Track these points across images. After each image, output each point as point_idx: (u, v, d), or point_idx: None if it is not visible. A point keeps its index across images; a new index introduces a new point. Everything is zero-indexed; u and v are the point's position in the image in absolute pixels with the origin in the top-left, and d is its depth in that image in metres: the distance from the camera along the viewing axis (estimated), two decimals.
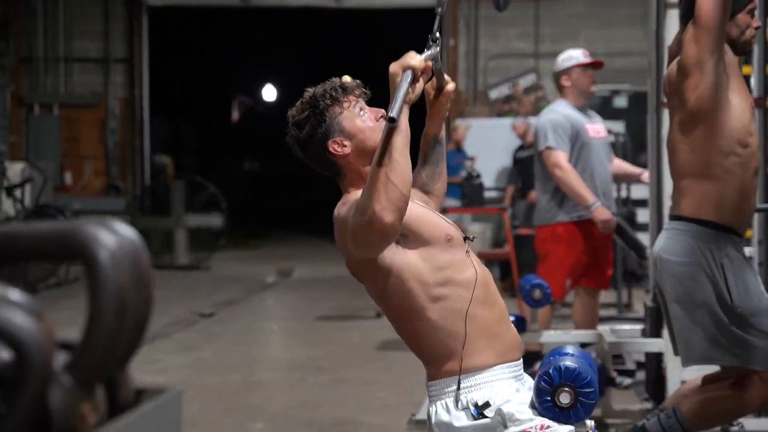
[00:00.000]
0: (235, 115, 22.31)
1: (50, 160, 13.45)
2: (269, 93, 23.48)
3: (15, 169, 12.04)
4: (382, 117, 2.58)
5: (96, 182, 13.95)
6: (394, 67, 2.38)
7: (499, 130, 12.19)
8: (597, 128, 5.66)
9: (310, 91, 2.64)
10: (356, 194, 2.50)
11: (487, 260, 10.38)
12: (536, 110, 13.04)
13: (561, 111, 5.61)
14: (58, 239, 0.89)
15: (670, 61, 3.80)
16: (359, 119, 2.60)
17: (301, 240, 16.58)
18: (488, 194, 10.86)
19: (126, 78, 14.02)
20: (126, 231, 0.92)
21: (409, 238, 2.51)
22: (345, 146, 2.60)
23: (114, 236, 0.89)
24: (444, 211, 8.75)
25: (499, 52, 13.59)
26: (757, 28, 3.67)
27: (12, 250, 0.90)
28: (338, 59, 22.21)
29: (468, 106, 13.62)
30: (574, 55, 5.63)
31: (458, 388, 2.52)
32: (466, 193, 9.06)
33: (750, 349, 3.48)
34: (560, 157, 5.48)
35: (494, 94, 13.66)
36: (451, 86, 2.75)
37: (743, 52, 3.72)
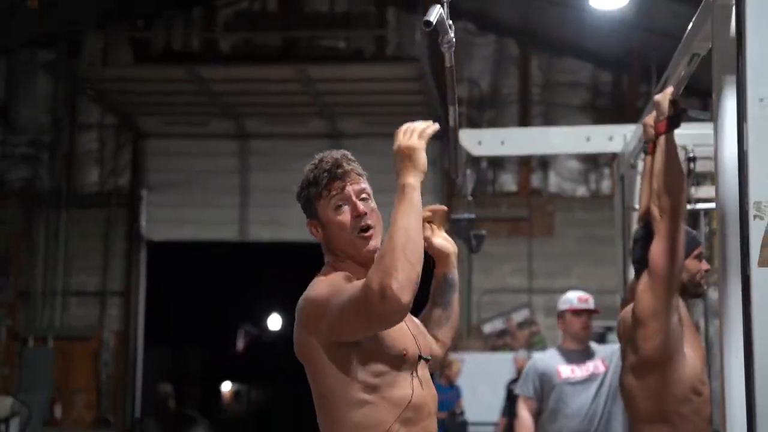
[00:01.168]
0: (240, 344, 22.31)
1: (42, 392, 13.35)
2: (275, 322, 23.54)
3: (3, 404, 11.94)
4: (358, 216, 2.58)
5: (86, 415, 13.78)
6: (410, 144, 2.52)
7: (493, 364, 12.14)
8: (586, 366, 5.65)
9: (317, 158, 2.67)
10: (331, 280, 2.48)
11: None
12: (530, 345, 13.05)
13: (540, 357, 5.96)
14: None
15: (622, 307, 3.87)
16: (333, 212, 2.59)
17: None
18: (480, 429, 10.68)
19: (122, 311, 14.11)
20: None
21: (365, 343, 2.46)
22: (318, 231, 2.63)
23: None
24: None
25: (493, 287, 13.71)
26: (706, 271, 3.76)
27: None
28: None
29: (462, 340, 13.60)
30: (568, 299, 5.75)
31: None
32: (450, 429, 8.91)
33: None
34: (520, 405, 5.70)
35: (488, 328, 13.67)
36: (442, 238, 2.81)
37: (696, 295, 3.80)
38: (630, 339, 3.64)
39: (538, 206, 13.82)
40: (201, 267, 18.57)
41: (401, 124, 10.83)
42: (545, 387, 5.63)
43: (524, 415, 5.65)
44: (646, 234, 3.67)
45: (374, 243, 2.59)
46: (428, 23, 2.49)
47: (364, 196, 2.65)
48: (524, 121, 13.64)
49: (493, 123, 13.60)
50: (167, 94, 13.08)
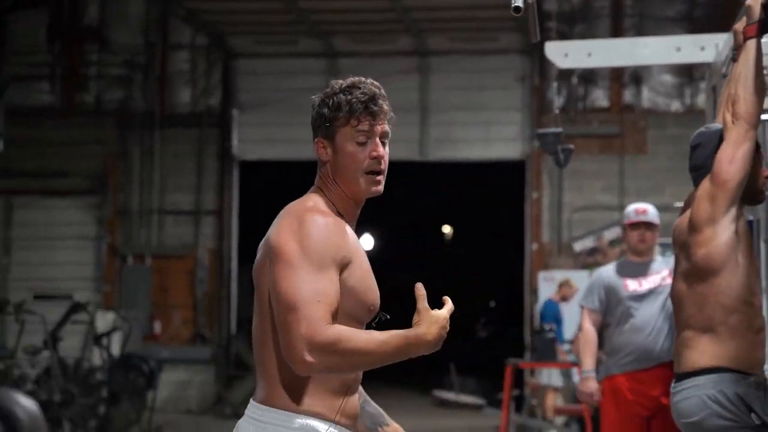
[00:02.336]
0: None
1: (141, 309, 13.76)
2: (365, 242, 23.78)
3: (106, 319, 12.34)
4: (375, 158, 2.48)
5: (184, 331, 14.18)
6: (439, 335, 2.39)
7: (584, 282, 12.08)
8: (650, 279, 5.60)
9: (351, 80, 2.52)
10: (310, 232, 2.37)
11: (567, 416, 10.18)
12: None
13: (605, 269, 5.85)
14: None
15: (681, 215, 3.80)
16: (352, 144, 2.49)
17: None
18: (567, 347, 10.68)
19: (215, 229, 14.39)
20: (23, 403, 0.95)
21: (344, 282, 2.40)
22: (326, 153, 2.52)
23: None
24: (516, 366, 8.51)
25: (584, 204, 13.58)
26: (767, 178, 3.66)
27: None
28: (425, 210, 22.57)
29: (552, 258, 13.56)
30: (626, 212, 5.70)
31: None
32: (537, 346, 8.94)
33: None
34: (584, 317, 5.63)
35: (578, 246, 13.57)
36: None
37: (756, 201, 3.71)
38: (683, 245, 3.59)
39: (630, 122, 13.57)
40: (292, 185, 18.82)
41: (490, 40, 10.80)
42: (611, 300, 5.57)
43: (588, 327, 5.58)
44: (708, 140, 3.59)
45: (380, 188, 2.53)
46: (518, 9, 2.44)
47: (385, 140, 2.54)
48: (616, 34, 13.32)
49: (584, 37, 13.31)
50: (257, 13, 13.12)
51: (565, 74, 13.22)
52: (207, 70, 14.41)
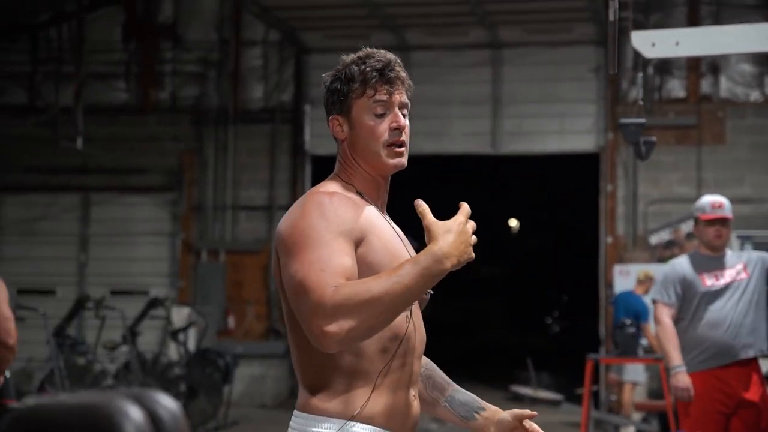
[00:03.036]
0: None
1: (215, 304, 13.88)
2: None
3: (181, 314, 12.49)
4: (396, 129, 2.35)
5: (258, 326, 14.27)
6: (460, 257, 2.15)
7: (661, 275, 11.93)
8: (726, 274, 5.47)
9: (363, 51, 2.39)
10: (324, 208, 2.21)
11: (647, 412, 10.03)
12: None
13: (678, 262, 5.72)
14: (87, 414, 0.91)
15: None
16: (370, 116, 2.35)
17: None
18: (643, 341, 10.53)
19: None
20: (165, 403, 0.93)
21: (363, 258, 2.24)
22: (342, 131, 2.39)
23: (143, 410, 0.91)
24: (597, 362, 8.41)
25: (660, 196, 13.36)
26: None
27: (39, 424, 0.93)
28: (501, 204, 22.45)
29: (627, 251, 13.37)
30: (701, 205, 5.59)
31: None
32: (619, 342, 8.82)
33: None
34: (662, 311, 5.49)
35: (654, 239, 13.37)
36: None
37: None
38: None
39: (708, 112, 13.31)
40: None
41: (564, 31, 10.68)
42: (687, 294, 5.46)
43: (667, 321, 5.45)
44: None
45: (403, 160, 2.38)
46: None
47: (405, 111, 2.39)
48: (693, 23, 13.06)
49: (660, 26, 13.08)
50: (329, 7, 13.13)
51: (640, 64, 13.03)
52: (279, 65, 14.48)
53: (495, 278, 24.62)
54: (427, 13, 13.34)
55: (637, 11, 13.00)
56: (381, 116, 2.34)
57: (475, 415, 2.52)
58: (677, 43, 5.26)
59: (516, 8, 13.04)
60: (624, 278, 12.32)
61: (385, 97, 2.34)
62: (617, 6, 2.73)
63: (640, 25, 12.64)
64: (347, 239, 2.20)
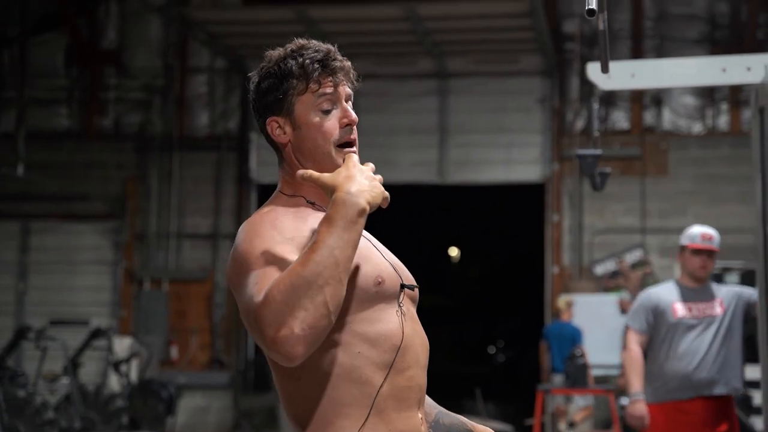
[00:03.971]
0: None
1: (158, 334, 13.66)
2: None
3: (123, 345, 12.27)
4: (348, 124, 2.09)
5: (201, 356, 14.06)
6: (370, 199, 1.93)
7: (605, 306, 12.03)
8: (701, 307, 5.46)
9: (297, 43, 2.12)
10: (264, 226, 1.96)
11: None
12: (643, 286, 12.84)
13: (655, 290, 5.69)
14: None
15: None
16: (316, 112, 2.07)
17: None
18: (593, 371, 10.58)
19: None
20: None
21: None
22: (284, 133, 2.10)
23: None
24: (547, 391, 8.43)
25: (605, 227, 13.47)
26: None
27: None
28: (441, 232, 22.49)
29: (573, 281, 13.44)
30: (691, 235, 5.55)
31: None
32: (570, 373, 8.84)
33: None
34: (631, 338, 5.49)
35: (600, 269, 13.47)
36: None
37: None
38: None
39: (652, 144, 13.47)
40: None
41: (511, 62, 10.79)
42: (658, 323, 5.43)
43: (635, 349, 5.44)
44: None
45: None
46: (591, 12, 2.26)
47: (350, 103, 2.13)
48: (636, 56, 13.25)
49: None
50: (276, 36, 12.94)
51: (586, 96, 13.17)
52: (225, 93, 14.37)
53: (439, 307, 24.66)
54: (374, 43, 13.36)
55: (583, 44, 13.17)
56: (328, 112, 2.08)
57: None
58: (633, 75, 5.26)
59: (463, 39, 13.11)
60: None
61: (330, 90, 2.08)
62: (606, 19, 2.64)
63: (585, 58, 12.80)
64: (289, 248, 1.95)
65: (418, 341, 2.07)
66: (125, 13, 14.52)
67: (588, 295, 12.87)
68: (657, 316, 5.44)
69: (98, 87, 14.49)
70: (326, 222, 1.86)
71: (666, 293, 5.54)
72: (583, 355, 8.86)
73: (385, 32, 12.94)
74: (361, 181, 1.92)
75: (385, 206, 1.97)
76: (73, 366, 10.80)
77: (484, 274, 25.33)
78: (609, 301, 12.20)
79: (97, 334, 11.32)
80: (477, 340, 23.75)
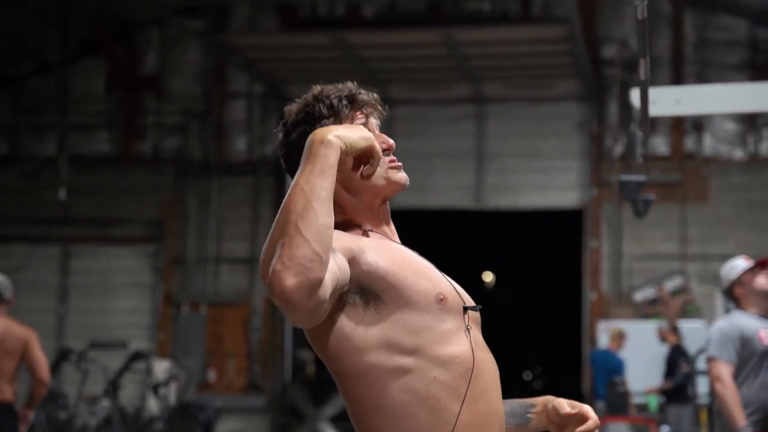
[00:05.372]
0: None
1: (195, 357, 13.70)
2: None
3: (161, 367, 12.31)
4: (388, 149, 2.13)
5: (238, 380, 14.09)
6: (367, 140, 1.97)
7: (644, 333, 11.95)
8: None
9: (316, 89, 2.18)
10: None
11: None
12: (684, 313, 12.72)
13: (731, 319, 5.39)
14: None
15: None
16: None
17: None
18: (637, 400, 10.50)
19: None
20: None
21: (386, 297, 1.97)
22: None
23: None
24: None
25: (644, 253, 13.38)
26: None
27: None
28: (476, 257, 22.42)
29: (612, 307, 13.34)
30: (736, 265, 5.42)
31: None
32: (610, 401, 8.76)
33: None
34: (721, 369, 5.18)
35: (639, 296, 13.37)
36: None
37: None
38: None
39: (692, 170, 13.39)
40: None
41: (549, 87, 10.77)
42: (745, 351, 5.22)
43: (729, 380, 5.15)
44: None
45: (406, 176, 2.18)
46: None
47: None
48: (677, 81, 13.19)
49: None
50: (312, 61, 13.13)
51: (624, 122, 13.12)
52: (263, 117, 14.46)
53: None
54: (411, 68, 13.39)
55: (623, 68, 13.14)
56: None
57: (528, 416, 2.24)
58: (678, 101, 5.23)
59: (500, 64, 13.12)
60: (608, 335, 12.31)
61: (363, 121, 2.14)
62: (648, 66, 2.64)
63: (625, 83, 12.77)
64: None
65: (490, 365, 2.05)
66: (164, 39, 14.67)
67: (627, 322, 12.77)
68: (744, 345, 5.23)
69: (137, 112, 14.64)
70: (300, 165, 1.90)
71: (745, 321, 5.32)
72: (624, 383, 8.78)
73: (423, 57, 12.97)
74: (340, 127, 1.98)
75: (372, 152, 2.01)
76: (113, 388, 10.87)
77: (519, 299, 25.21)
78: (648, 328, 12.10)
79: (136, 356, 11.39)
80: (513, 365, 23.65)
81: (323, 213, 1.82)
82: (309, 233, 1.79)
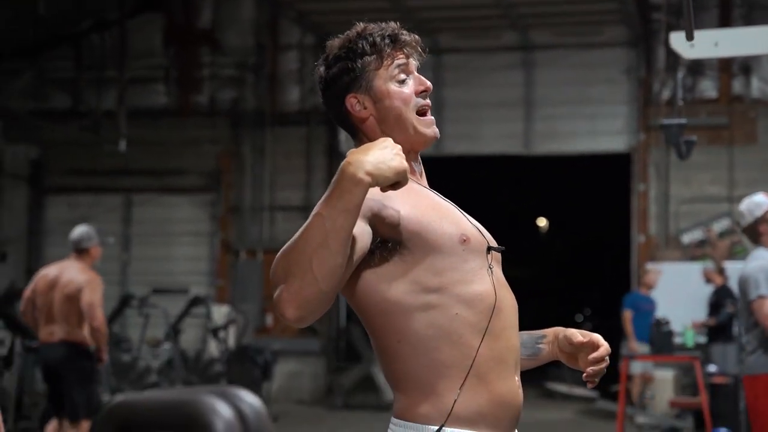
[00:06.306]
0: None
1: (253, 303, 14.14)
2: None
3: (220, 312, 12.76)
4: (424, 91, 2.17)
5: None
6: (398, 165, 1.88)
7: (692, 274, 12.08)
8: None
9: (359, 26, 2.20)
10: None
11: (680, 409, 10.21)
12: (731, 255, 12.84)
13: (765, 257, 5.25)
14: (177, 410, 1.13)
15: None
16: (394, 83, 2.15)
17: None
18: (678, 340, 10.69)
19: None
20: (249, 400, 1.16)
21: (410, 243, 2.02)
22: (365, 108, 2.16)
23: (232, 407, 1.14)
24: (632, 357, 8.27)
25: (692, 196, 13.50)
26: None
27: (133, 419, 1.16)
28: (529, 203, 22.56)
29: (659, 250, 13.52)
30: (761, 202, 5.38)
31: None
32: (655, 340, 8.99)
33: None
34: None
35: (687, 238, 13.52)
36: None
37: None
38: None
39: (740, 113, 13.43)
40: None
41: (595, 33, 10.91)
42: None
43: None
44: None
45: (437, 130, 2.20)
46: None
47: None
48: (724, 24, 13.16)
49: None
50: (362, 12, 13.21)
51: (672, 66, 13.16)
52: (315, 69, 14.69)
53: (525, 278, 24.74)
54: (459, 17, 13.55)
55: (670, 13, 13.15)
56: (403, 81, 2.17)
57: (539, 346, 2.32)
58: (716, 44, 5.27)
59: (547, 11, 13.23)
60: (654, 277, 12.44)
61: (403, 61, 2.17)
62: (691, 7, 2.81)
63: (672, 27, 12.79)
64: (365, 220, 1.98)
65: (510, 303, 2.12)
66: None
67: (675, 264, 12.94)
68: None
69: (194, 66, 15.01)
70: (327, 191, 1.87)
71: None
72: (668, 323, 8.99)
73: (470, 6, 13.12)
74: (375, 153, 1.87)
75: (404, 183, 1.91)
76: (174, 332, 11.34)
77: (571, 243, 25.32)
78: (695, 269, 12.22)
79: (196, 302, 11.83)
80: (565, 308, 23.84)
81: (339, 253, 1.83)
82: (320, 273, 1.81)
